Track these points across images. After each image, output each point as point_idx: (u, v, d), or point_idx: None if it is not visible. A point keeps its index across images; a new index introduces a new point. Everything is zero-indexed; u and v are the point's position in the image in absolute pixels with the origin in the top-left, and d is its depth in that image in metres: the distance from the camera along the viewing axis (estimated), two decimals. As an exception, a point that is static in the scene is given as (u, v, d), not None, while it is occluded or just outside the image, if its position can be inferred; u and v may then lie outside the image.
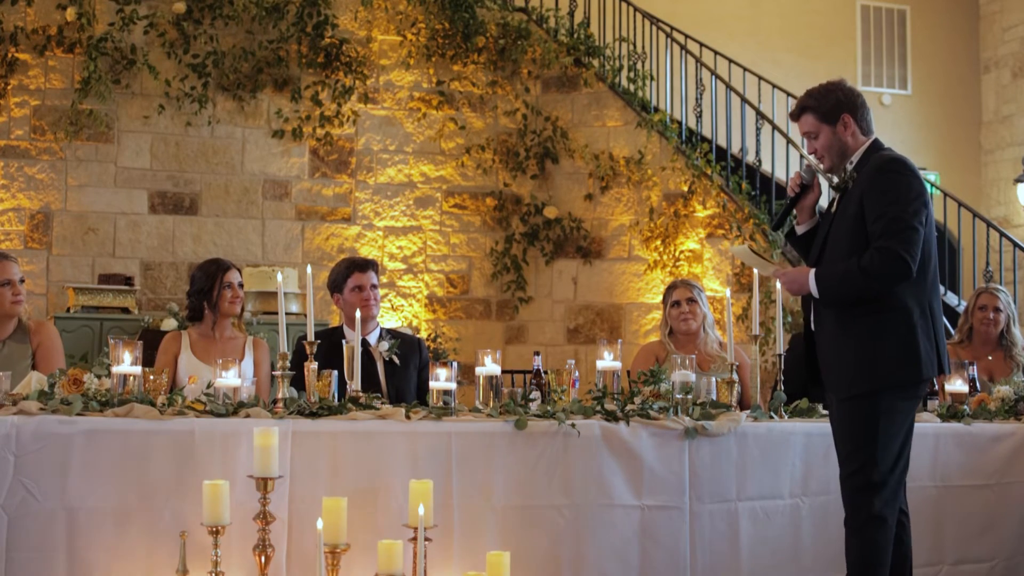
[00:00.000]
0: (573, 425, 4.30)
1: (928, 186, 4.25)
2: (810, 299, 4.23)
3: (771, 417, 4.71)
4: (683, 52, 9.89)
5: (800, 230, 4.44)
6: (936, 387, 5.24)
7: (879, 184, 4.05)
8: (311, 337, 4.26)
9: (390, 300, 9.47)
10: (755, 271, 4.90)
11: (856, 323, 4.08)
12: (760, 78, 10.20)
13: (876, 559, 4.01)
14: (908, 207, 4.00)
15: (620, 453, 4.35)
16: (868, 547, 4.01)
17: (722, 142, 9.54)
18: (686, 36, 10.12)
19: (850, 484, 4.06)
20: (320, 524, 3.72)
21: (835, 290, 4.09)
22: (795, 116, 4.32)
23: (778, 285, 4.51)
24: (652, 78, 9.98)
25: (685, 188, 9.35)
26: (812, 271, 4.15)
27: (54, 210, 8.82)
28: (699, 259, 9.28)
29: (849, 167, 4.21)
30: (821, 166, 4.33)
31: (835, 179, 4.26)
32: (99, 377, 4.16)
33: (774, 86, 10.01)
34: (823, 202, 4.51)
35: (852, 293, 4.06)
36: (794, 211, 4.43)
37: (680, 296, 5.74)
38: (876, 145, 4.22)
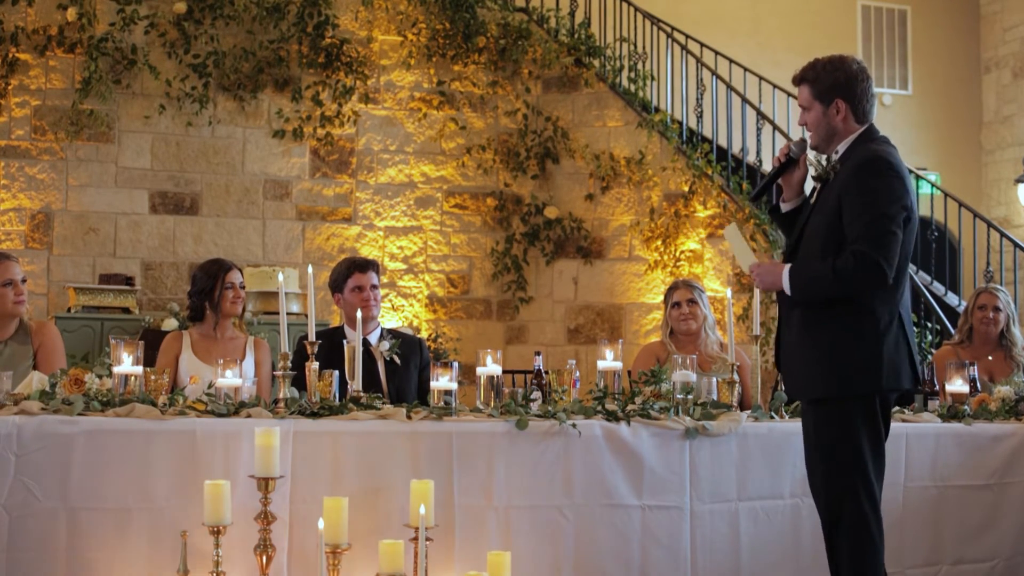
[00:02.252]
0: (574, 425, 4.30)
1: (914, 186, 4.04)
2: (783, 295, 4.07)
3: (772, 417, 4.71)
4: (684, 52, 9.89)
5: (785, 207, 4.25)
6: (937, 387, 5.24)
7: (859, 183, 3.87)
8: (312, 337, 4.27)
9: (391, 300, 9.47)
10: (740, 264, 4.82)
11: (821, 327, 3.94)
12: (760, 78, 10.21)
13: (874, 558, 3.91)
14: (888, 210, 3.83)
15: (621, 453, 4.36)
16: (864, 546, 3.90)
17: (723, 142, 9.55)
18: (687, 36, 10.13)
19: (830, 489, 3.92)
20: (321, 524, 3.73)
21: (806, 289, 3.95)
22: (795, 82, 4.13)
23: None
24: (653, 78, 9.99)
25: (686, 188, 9.36)
26: (787, 267, 4.00)
27: (55, 210, 8.82)
28: (700, 259, 9.28)
29: (835, 156, 4.03)
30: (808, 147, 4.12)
31: (816, 167, 4.06)
32: (100, 377, 4.16)
33: (775, 86, 10.02)
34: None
35: (822, 295, 3.92)
36: (778, 184, 4.24)
37: (680, 297, 5.73)
38: (868, 134, 4.03)
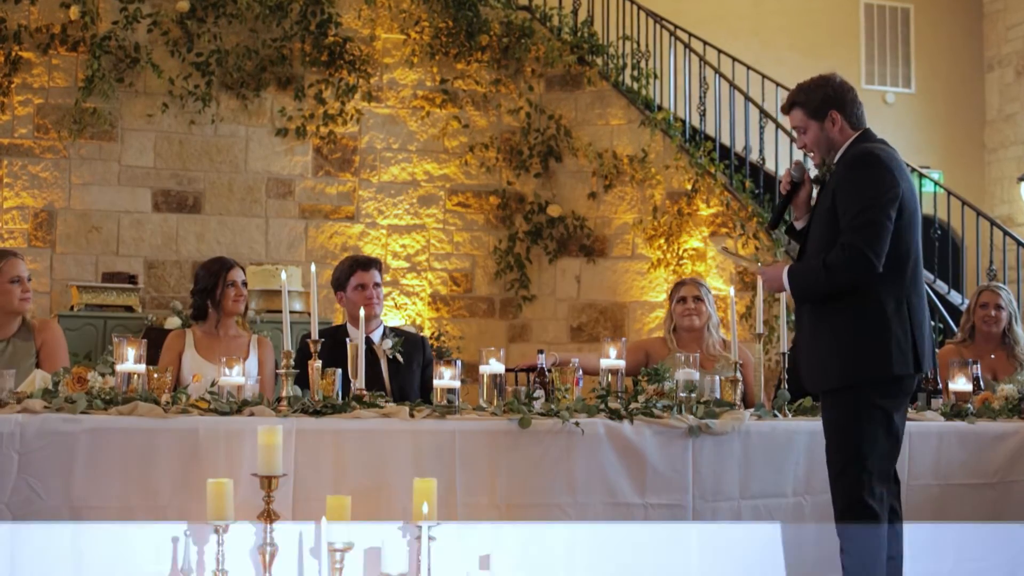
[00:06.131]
0: (577, 423, 4.29)
1: (913, 179, 4.16)
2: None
3: (775, 416, 4.70)
4: (686, 50, 9.89)
5: (799, 225, 4.39)
6: (939, 385, 5.23)
7: (847, 178, 4.03)
8: (315, 335, 4.27)
9: (393, 298, 9.47)
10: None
11: (829, 318, 4.06)
12: (764, 76, 10.19)
13: (872, 555, 3.95)
14: (876, 201, 3.95)
15: (624, 451, 4.35)
16: (864, 543, 3.95)
17: (725, 140, 9.54)
18: (689, 34, 10.11)
19: (839, 484, 4.01)
20: (324, 522, 3.73)
21: (803, 287, 4.10)
22: (786, 110, 4.32)
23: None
24: (655, 76, 9.98)
25: (688, 186, 9.35)
26: (786, 268, 4.16)
27: (58, 208, 8.83)
28: (703, 258, 9.28)
29: (833, 159, 4.18)
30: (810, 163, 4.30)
31: (815, 171, 4.23)
32: (103, 375, 4.16)
33: (778, 84, 10.00)
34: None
35: (818, 290, 4.05)
36: (790, 207, 4.39)
37: (687, 293, 5.74)
38: (864, 136, 4.18)
